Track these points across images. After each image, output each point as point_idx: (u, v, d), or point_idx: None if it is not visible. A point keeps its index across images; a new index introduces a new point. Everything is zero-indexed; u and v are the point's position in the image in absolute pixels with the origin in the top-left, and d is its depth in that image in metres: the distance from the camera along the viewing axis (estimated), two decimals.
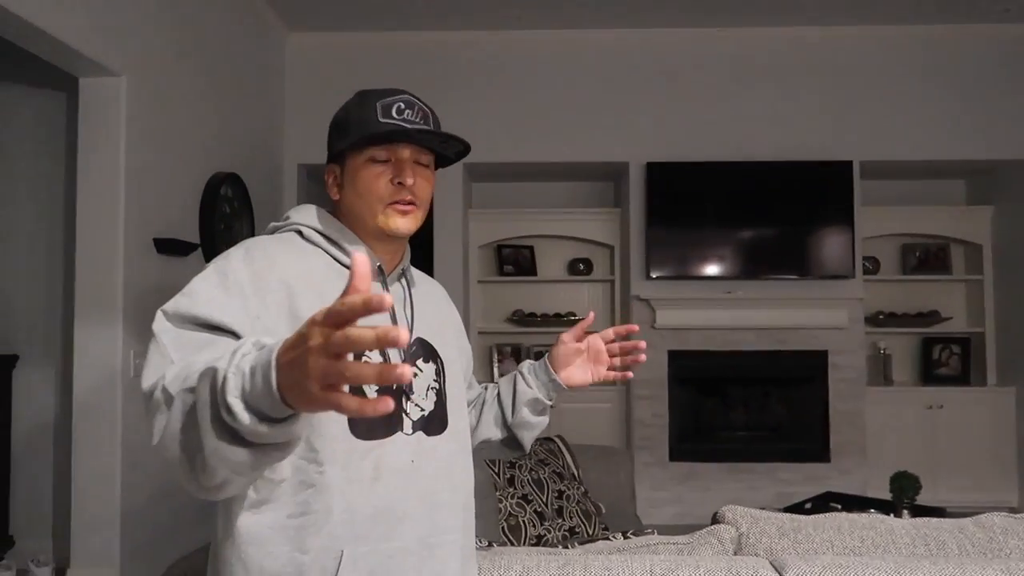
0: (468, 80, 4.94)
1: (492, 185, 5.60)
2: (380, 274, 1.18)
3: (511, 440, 1.43)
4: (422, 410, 1.16)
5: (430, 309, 1.27)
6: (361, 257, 0.63)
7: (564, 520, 2.64)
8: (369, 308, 0.61)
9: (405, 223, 1.15)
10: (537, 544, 2.52)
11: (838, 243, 4.83)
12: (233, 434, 0.77)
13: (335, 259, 1.16)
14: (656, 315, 4.85)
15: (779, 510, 2.22)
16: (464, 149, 1.18)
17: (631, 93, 4.96)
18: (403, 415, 1.13)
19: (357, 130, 1.14)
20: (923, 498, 3.71)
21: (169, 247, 3.36)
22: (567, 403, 5.05)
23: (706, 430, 5.10)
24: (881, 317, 5.25)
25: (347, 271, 1.16)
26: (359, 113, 1.15)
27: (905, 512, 3.41)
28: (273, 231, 1.21)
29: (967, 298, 5.40)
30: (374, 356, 1.11)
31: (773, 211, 4.87)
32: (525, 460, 2.77)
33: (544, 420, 1.44)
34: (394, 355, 1.14)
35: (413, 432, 1.14)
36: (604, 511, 2.85)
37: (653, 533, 1.63)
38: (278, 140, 4.89)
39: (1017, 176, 5.02)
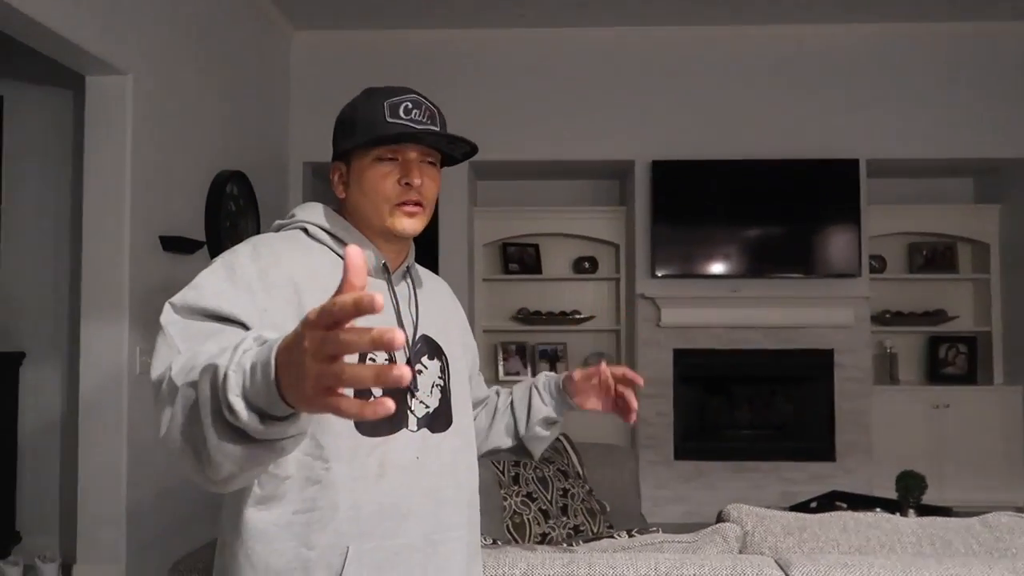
0: (473, 78, 4.94)
1: (497, 183, 5.60)
2: (385, 272, 1.18)
3: (520, 448, 1.45)
4: (427, 407, 1.16)
5: (435, 306, 1.27)
6: (354, 250, 0.61)
7: (569, 518, 2.64)
8: (360, 309, 0.59)
9: (412, 224, 1.15)
10: (542, 542, 2.52)
11: (844, 241, 4.82)
12: (236, 430, 0.77)
13: (340, 257, 1.16)
14: (661, 313, 4.84)
15: (784, 509, 2.22)
16: (471, 150, 1.18)
17: (636, 91, 4.95)
18: (408, 412, 1.13)
19: (364, 130, 1.13)
20: (929, 497, 3.70)
21: (175, 245, 3.37)
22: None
23: (711, 429, 5.10)
24: (887, 316, 5.23)
25: None
26: (366, 112, 1.15)
27: (911, 511, 3.40)
28: (279, 229, 1.21)
29: (974, 297, 5.38)
30: (378, 355, 1.11)
31: (779, 209, 4.86)
32: (529, 458, 2.76)
33: (555, 433, 1.45)
34: (400, 354, 1.15)
35: (418, 429, 1.14)
36: (609, 509, 2.85)
37: (658, 531, 1.63)
38: (283, 138, 4.90)
39: None
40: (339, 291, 0.62)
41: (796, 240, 4.85)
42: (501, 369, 5.34)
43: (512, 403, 1.43)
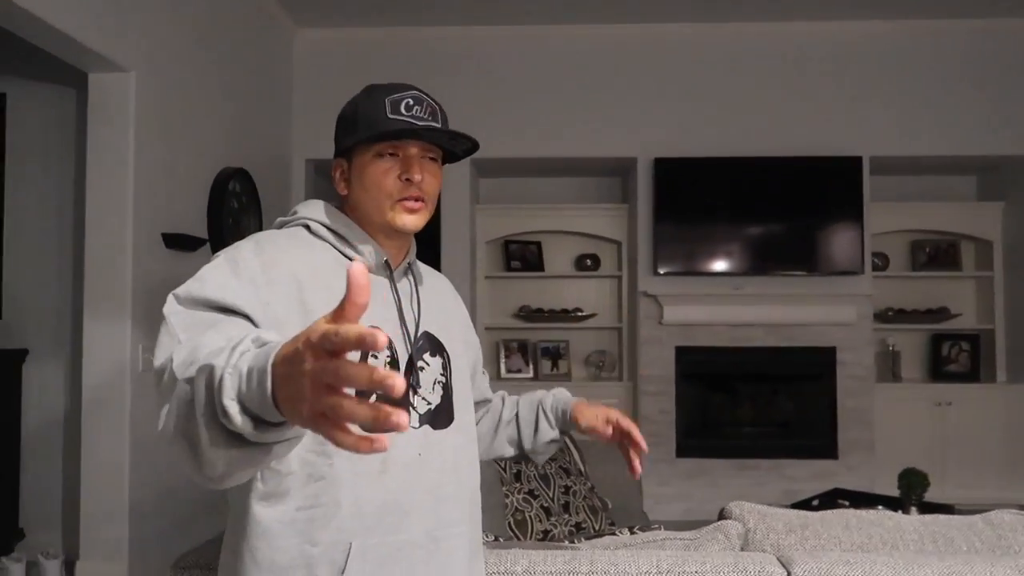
0: (475, 75, 4.94)
1: (499, 180, 5.60)
2: (387, 269, 1.18)
3: (523, 458, 1.50)
4: (429, 404, 1.16)
5: (437, 303, 1.27)
6: (357, 267, 0.58)
7: (571, 515, 2.64)
8: (363, 344, 0.56)
9: (413, 220, 1.15)
10: (543, 539, 2.52)
11: (847, 239, 4.81)
12: (230, 432, 0.76)
13: (343, 254, 1.16)
14: (663, 311, 4.84)
15: (786, 506, 2.22)
16: (472, 146, 1.17)
17: (639, 88, 4.94)
18: (410, 409, 1.14)
19: (365, 126, 1.13)
20: (931, 495, 3.69)
21: (177, 242, 3.37)
22: (574, 399, 5.04)
23: (713, 426, 5.09)
24: (890, 313, 5.22)
25: None
26: (367, 109, 1.15)
27: (913, 509, 3.40)
28: (281, 226, 1.21)
29: (977, 294, 5.37)
30: (380, 352, 1.11)
31: (782, 207, 4.85)
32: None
33: (557, 447, 1.50)
34: (401, 350, 1.15)
35: (420, 426, 1.14)
36: (611, 507, 2.85)
37: (660, 529, 1.63)
38: (286, 135, 4.90)
39: None
40: (340, 308, 0.59)
41: (799, 237, 4.85)
42: (503, 366, 5.34)
43: (518, 417, 1.46)
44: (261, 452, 0.77)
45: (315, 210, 1.20)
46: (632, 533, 1.70)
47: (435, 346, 1.21)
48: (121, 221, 3.08)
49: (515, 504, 2.56)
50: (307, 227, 1.18)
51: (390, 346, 1.13)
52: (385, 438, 0.59)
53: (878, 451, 4.85)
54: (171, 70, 3.41)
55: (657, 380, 4.88)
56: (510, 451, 1.48)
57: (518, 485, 2.60)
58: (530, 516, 2.55)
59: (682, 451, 4.87)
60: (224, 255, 1.08)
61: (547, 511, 2.60)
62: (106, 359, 3.06)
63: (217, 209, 3.74)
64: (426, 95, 1.16)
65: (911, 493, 3.47)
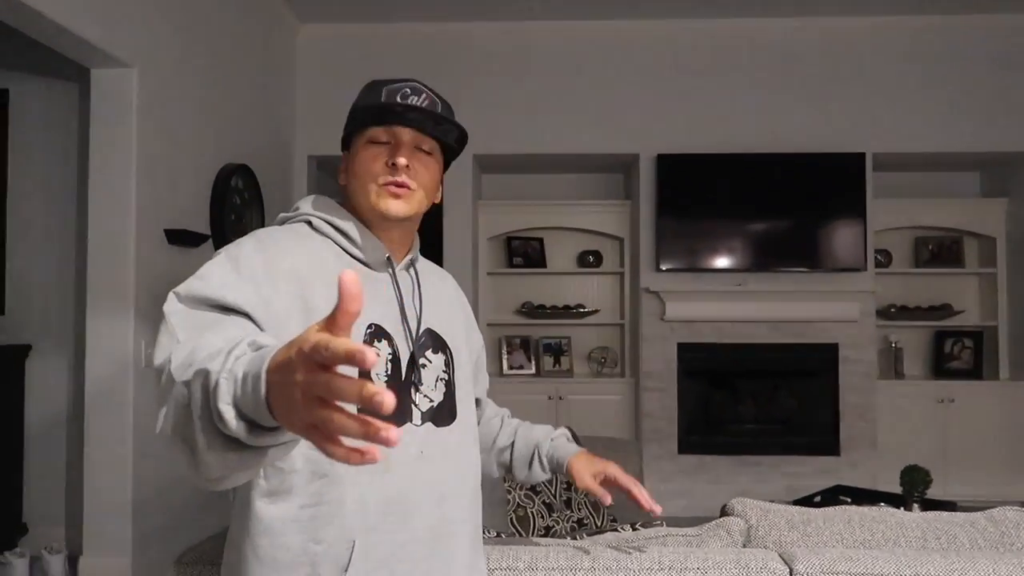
0: (478, 71, 4.93)
1: (502, 177, 5.59)
2: (389, 265, 1.18)
3: (508, 477, 1.51)
4: (431, 401, 1.16)
5: (439, 300, 1.26)
6: (349, 275, 0.57)
7: (573, 511, 2.64)
8: (351, 361, 0.55)
9: (398, 205, 1.13)
10: (546, 535, 2.52)
11: (850, 236, 4.80)
12: (226, 436, 0.75)
13: (344, 250, 1.16)
14: (666, 307, 4.84)
15: (789, 503, 2.22)
16: (461, 135, 1.16)
17: (642, 84, 4.94)
18: (412, 406, 1.13)
19: (359, 114, 1.14)
20: (934, 492, 3.69)
21: (180, 238, 3.37)
22: (576, 395, 5.05)
23: (715, 423, 5.09)
24: (893, 310, 5.22)
25: (357, 262, 1.16)
26: (366, 100, 1.16)
27: (915, 506, 3.40)
28: (283, 222, 1.21)
29: (980, 291, 5.36)
30: (382, 348, 1.11)
31: (784, 203, 4.84)
32: None
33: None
34: (403, 346, 1.14)
35: (422, 423, 1.14)
36: (613, 503, 2.85)
37: (662, 525, 1.63)
38: (289, 131, 4.90)
39: None
40: (333, 316, 0.58)
41: (801, 234, 4.84)
42: (505, 363, 5.34)
43: (513, 448, 1.45)
44: (257, 455, 0.77)
45: (317, 205, 1.19)
46: (634, 529, 1.70)
47: (437, 343, 1.20)
48: (123, 217, 3.08)
49: (517, 500, 2.56)
50: (309, 223, 1.17)
51: (391, 343, 1.13)
52: (376, 450, 0.59)
53: (880, 448, 4.84)
54: (173, 66, 3.41)
55: (659, 376, 4.88)
56: (497, 473, 1.49)
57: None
58: (532, 512, 2.56)
59: (684, 447, 4.87)
60: (225, 252, 1.07)
61: (549, 507, 2.60)
62: (109, 354, 3.06)
63: (219, 205, 3.74)
64: (426, 87, 1.16)
65: (913, 490, 3.47)
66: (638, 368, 4.98)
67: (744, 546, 1.52)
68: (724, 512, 1.62)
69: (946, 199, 5.28)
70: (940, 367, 5.24)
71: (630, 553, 1.41)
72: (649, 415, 4.87)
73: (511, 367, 5.34)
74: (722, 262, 4.85)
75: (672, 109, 4.92)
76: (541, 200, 5.45)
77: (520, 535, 2.48)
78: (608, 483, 1.39)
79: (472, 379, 1.31)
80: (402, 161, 1.11)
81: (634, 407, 5.03)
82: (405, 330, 1.15)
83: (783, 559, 1.38)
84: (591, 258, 5.42)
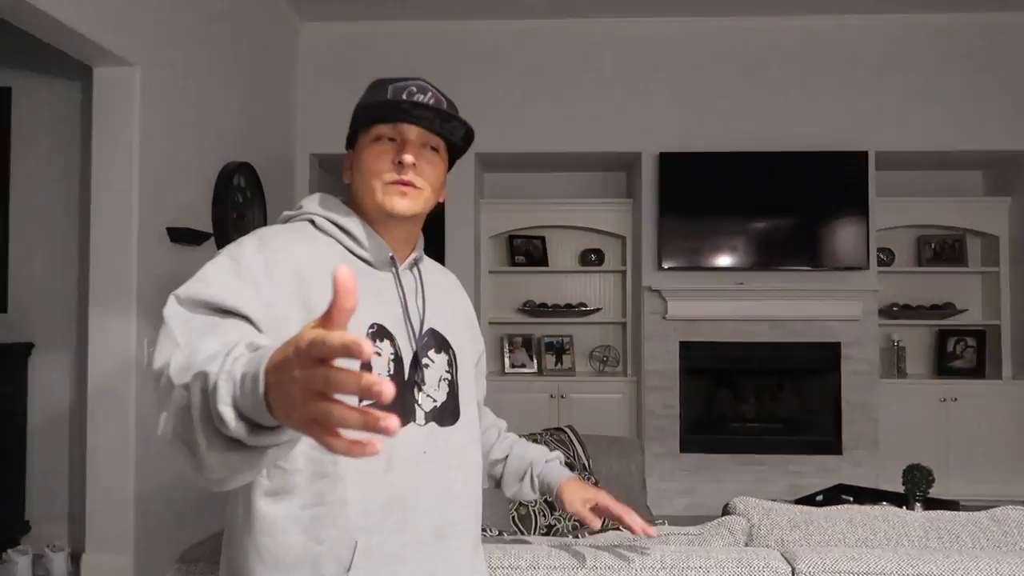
0: (481, 69, 4.93)
1: (504, 175, 5.59)
2: (392, 264, 1.18)
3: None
4: (434, 401, 1.16)
5: (443, 300, 1.26)
6: (344, 271, 0.58)
7: None
8: (348, 353, 0.56)
9: (404, 203, 1.13)
10: (547, 534, 2.52)
11: (852, 234, 4.80)
12: (226, 437, 0.75)
13: (348, 249, 1.15)
14: (668, 306, 4.83)
15: (791, 502, 2.22)
16: (467, 133, 1.15)
17: (644, 83, 4.93)
18: (416, 406, 1.13)
19: (365, 112, 1.13)
20: (936, 491, 3.69)
21: (182, 236, 3.38)
22: (578, 393, 5.05)
23: (717, 421, 5.09)
24: (895, 309, 5.21)
25: (360, 261, 1.16)
26: (371, 97, 1.15)
27: (918, 505, 3.40)
28: (286, 220, 1.21)
29: (983, 290, 5.35)
30: (385, 348, 1.11)
31: (787, 202, 4.84)
32: None
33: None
34: (406, 346, 1.14)
35: (426, 423, 1.14)
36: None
37: (664, 524, 1.63)
38: (291, 130, 4.90)
39: None
40: (328, 313, 0.59)
41: (804, 232, 4.83)
42: (507, 361, 5.35)
43: (506, 462, 1.44)
44: (258, 455, 0.77)
45: (321, 204, 1.19)
46: None
47: (440, 343, 1.20)
48: (126, 215, 3.08)
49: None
50: (312, 222, 1.17)
51: (393, 343, 1.12)
52: (377, 442, 0.59)
53: (883, 447, 4.84)
54: (176, 64, 3.41)
55: (661, 375, 4.88)
56: (486, 484, 1.48)
57: None
58: (534, 511, 2.56)
59: (686, 446, 4.87)
60: (226, 253, 1.07)
61: (551, 506, 2.60)
62: (111, 353, 3.07)
63: (222, 203, 3.74)
64: (432, 86, 1.15)
65: (916, 489, 3.47)
66: (640, 367, 4.98)
67: (746, 545, 1.52)
68: (726, 511, 1.62)
69: (949, 198, 5.27)
70: (943, 366, 5.23)
71: (632, 552, 1.41)
72: (651, 414, 4.87)
73: (513, 366, 5.34)
74: (724, 261, 4.85)
75: (674, 107, 4.92)
76: (543, 199, 5.44)
77: (522, 533, 2.48)
78: (599, 511, 1.38)
79: (475, 379, 1.31)
80: (409, 159, 1.11)
81: (636, 406, 5.03)
82: (408, 330, 1.15)
83: (785, 558, 1.37)
84: (593, 256, 5.42)
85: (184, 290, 0.99)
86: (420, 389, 1.14)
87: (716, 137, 4.87)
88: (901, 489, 3.61)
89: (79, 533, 3.41)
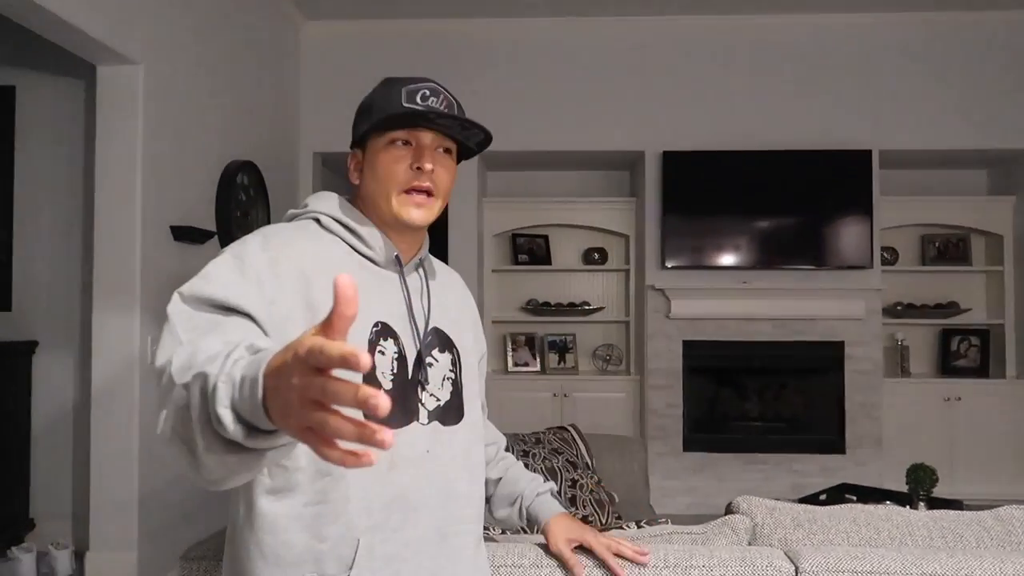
0: (484, 68, 4.93)
1: (507, 174, 5.59)
2: (397, 264, 1.18)
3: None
4: (438, 400, 1.16)
5: (447, 299, 1.26)
6: (345, 278, 0.58)
7: (577, 509, 2.64)
8: (345, 364, 0.56)
9: (420, 214, 1.13)
10: None
11: (856, 233, 4.79)
12: (225, 439, 0.75)
13: (353, 248, 1.15)
14: (671, 304, 4.83)
15: (794, 501, 2.21)
16: (485, 139, 1.15)
17: (647, 81, 4.92)
18: (419, 405, 1.13)
19: (379, 113, 1.12)
20: (940, 491, 3.68)
21: (186, 235, 3.38)
22: (581, 392, 5.05)
23: (720, 420, 5.09)
24: (899, 308, 5.20)
25: (365, 260, 1.15)
26: (383, 98, 1.14)
27: (921, 504, 3.39)
28: (291, 218, 1.21)
29: (987, 289, 5.34)
30: (388, 347, 1.11)
31: (790, 200, 4.83)
32: (538, 449, 2.77)
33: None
34: (410, 345, 1.14)
35: (429, 422, 1.14)
36: (617, 500, 2.85)
37: (667, 523, 1.63)
38: (294, 128, 4.90)
39: None
40: (329, 320, 0.58)
41: (807, 231, 4.82)
42: (510, 360, 5.34)
43: (498, 486, 1.42)
44: (256, 457, 0.77)
45: (326, 203, 1.19)
46: (639, 527, 1.70)
47: (444, 342, 1.20)
48: (130, 213, 3.09)
49: None
50: (317, 220, 1.17)
51: (397, 342, 1.12)
52: (372, 453, 0.59)
53: (886, 446, 4.83)
54: (179, 63, 3.42)
55: (664, 374, 4.87)
56: None
57: None
58: None
59: (689, 445, 4.86)
60: (231, 250, 1.07)
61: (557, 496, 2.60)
62: (115, 351, 3.07)
63: (225, 202, 3.74)
64: (443, 88, 1.15)
65: (919, 488, 3.46)
66: (643, 365, 4.98)
67: (749, 544, 1.51)
68: (729, 510, 1.62)
69: (953, 197, 5.26)
70: (946, 365, 5.22)
71: None
72: (654, 412, 4.87)
73: (516, 364, 5.34)
74: (728, 259, 4.84)
75: (678, 106, 4.91)
76: (546, 197, 5.44)
77: (525, 532, 2.48)
78: (584, 551, 1.36)
79: (478, 379, 1.31)
80: (429, 167, 1.11)
81: (639, 404, 5.03)
82: (412, 329, 1.15)
83: (789, 557, 1.37)
84: (596, 255, 5.42)
85: (188, 287, 1.00)
86: (423, 388, 1.14)
87: (720, 136, 4.86)
88: (905, 488, 3.61)
89: (83, 531, 3.42)
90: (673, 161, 4.84)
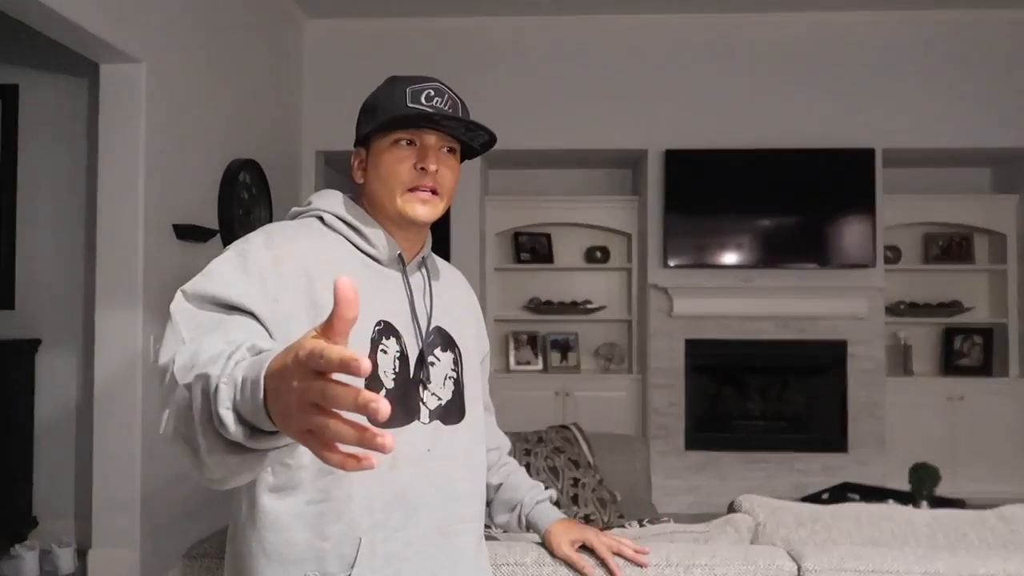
0: (486, 67, 4.92)
1: (509, 172, 5.59)
2: (400, 262, 1.18)
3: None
4: (439, 399, 1.16)
5: (450, 298, 1.26)
6: (345, 280, 0.58)
7: (579, 508, 2.64)
8: (345, 368, 0.56)
9: (425, 211, 1.13)
10: None
11: (859, 232, 4.78)
12: (227, 439, 0.75)
13: (356, 246, 1.15)
14: (673, 303, 4.83)
15: (797, 500, 2.21)
16: (490, 140, 1.15)
17: (650, 80, 4.92)
18: (420, 404, 1.13)
19: (384, 113, 1.12)
20: (943, 490, 3.67)
21: (188, 233, 3.38)
22: (583, 391, 5.05)
23: (723, 419, 5.09)
24: (902, 307, 5.19)
25: (368, 259, 1.15)
26: (388, 97, 1.14)
27: (924, 503, 3.39)
28: (295, 216, 1.21)
29: (990, 288, 5.33)
30: (391, 346, 1.11)
31: (793, 199, 4.82)
32: (541, 448, 2.77)
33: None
34: (412, 344, 1.14)
35: (430, 421, 1.14)
36: (619, 499, 2.85)
37: (669, 521, 1.63)
38: (296, 127, 4.90)
39: None
40: (329, 322, 0.58)
41: (810, 230, 4.82)
42: (512, 358, 5.34)
43: (499, 491, 1.42)
44: (258, 458, 0.77)
45: (330, 201, 1.19)
46: (641, 526, 1.70)
47: (446, 341, 1.20)
48: (132, 212, 3.09)
49: None
50: (321, 218, 1.17)
51: (399, 340, 1.12)
52: (372, 457, 0.59)
53: (889, 445, 4.82)
54: (182, 61, 3.42)
55: (666, 372, 4.87)
56: None
57: None
58: None
59: (691, 444, 4.86)
60: (234, 248, 1.07)
61: (556, 503, 2.60)
62: (118, 349, 3.08)
63: (227, 200, 3.75)
64: (448, 88, 1.15)
65: (922, 487, 3.46)
66: (645, 364, 4.98)
67: (752, 543, 1.51)
68: (731, 509, 1.62)
69: (956, 195, 5.25)
70: (949, 364, 5.21)
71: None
72: (656, 411, 4.87)
73: (518, 363, 5.34)
74: (730, 258, 4.84)
75: (680, 104, 4.90)
76: (549, 196, 5.44)
77: (527, 530, 2.48)
78: (587, 550, 1.36)
79: (481, 378, 1.31)
80: (433, 168, 1.11)
81: (641, 403, 5.03)
82: (415, 327, 1.15)
83: (791, 556, 1.37)
84: (598, 254, 5.41)
85: (191, 286, 1.00)
86: (425, 387, 1.14)
87: (722, 134, 4.86)
88: (907, 487, 3.60)
89: (86, 529, 3.42)
90: (676, 160, 4.84)
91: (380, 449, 0.56)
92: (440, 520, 1.12)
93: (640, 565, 1.34)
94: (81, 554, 3.40)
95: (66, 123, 3.89)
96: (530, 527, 1.40)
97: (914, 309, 5.19)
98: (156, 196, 3.19)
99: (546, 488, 1.45)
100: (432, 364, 1.16)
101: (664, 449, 4.83)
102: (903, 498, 3.46)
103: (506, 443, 1.48)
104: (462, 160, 1.21)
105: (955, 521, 1.48)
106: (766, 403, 5.14)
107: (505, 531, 1.51)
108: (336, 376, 0.59)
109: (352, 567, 1.04)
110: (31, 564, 3.32)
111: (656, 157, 4.90)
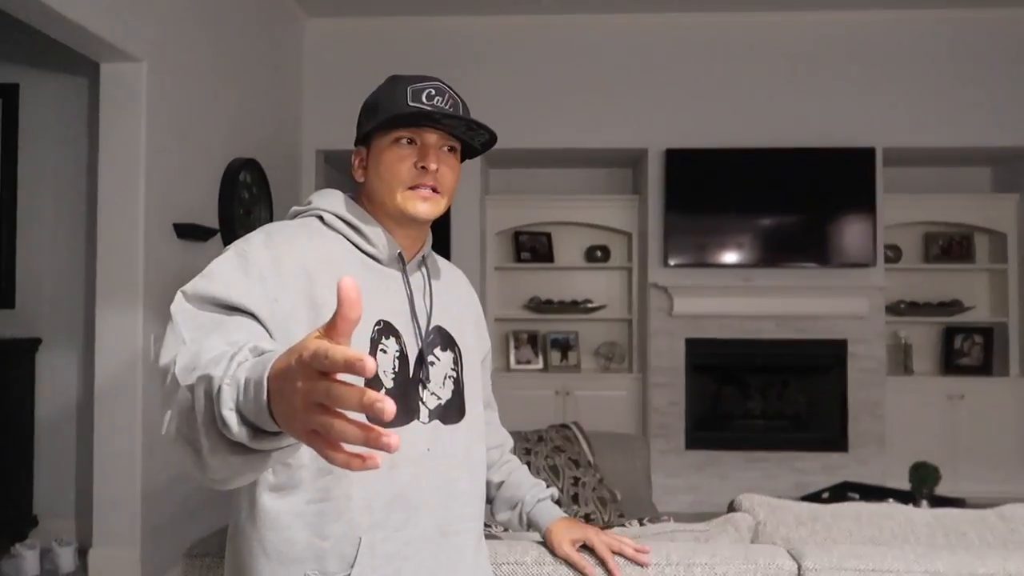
0: (486, 65, 4.92)
1: (510, 171, 5.59)
2: (400, 261, 1.18)
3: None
4: (439, 399, 1.16)
5: (450, 297, 1.25)
6: (348, 281, 0.58)
7: (579, 507, 2.64)
8: (350, 369, 0.56)
9: (426, 208, 1.13)
10: None
11: (859, 231, 4.78)
12: (230, 440, 0.75)
13: (356, 246, 1.15)
14: (674, 302, 4.83)
15: (797, 499, 2.21)
16: (490, 139, 1.15)
17: (650, 79, 4.92)
18: (420, 403, 1.13)
19: (385, 112, 1.13)
20: (943, 489, 3.68)
21: (189, 232, 3.38)
22: (583, 390, 5.05)
23: (723, 418, 5.09)
24: (902, 306, 5.19)
25: (368, 258, 1.15)
26: (389, 96, 1.14)
27: (924, 502, 3.39)
28: (295, 216, 1.21)
29: (990, 287, 5.33)
30: (390, 345, 1.11)
31: (793, 198, 4.82)
32: (541, 447, 2.77)
33: None
34: (412, 343, 1.14)
35: (430, 420, 1.14)
36: (620, 498, 2.85)
37: (669, 520, 1.63)
38: (297, 126, 4.90)
39: None
40: (332, 323, 0.59)
41: (810, 229, 4.82)
42: (512, 358, 5.35)
43: (501, 489, 1.42)
44: (261, 458, 0.77)
45: (330, 200, 1.19)
46: (641, 525, 1.70)
47: (446, 341, 1.20)
48: (133, 211, 3.09)
49: None
50: (321, 218, 1.17)
51: (399, 340, 1.12)
52: (377, 456, 0.59)
53: (889, 444, 4.82)
54: (182, 60, 3.42)
55: (666, 371, 4.87)
56: None
57: None
58: None
59: (692, 443, 4.86)
60: (234, 248, 1.07)
61: (556, 503, 2.60)
62: (118, 348, 3.08)
63: (228, 199, 3.75)
64: (449, 87, 1.15)
65: (922, 486, 3.46)
66: (646, 363, 4.98)
67: (752, 542, 1.51)
68: (732, 508, 1.62)
69: (957, 194, 5.25)
70: (950, 363, 5.21)
71: None
72: (656, 410, 4.87)
73: (518, 362, 5.34)
74: (731, 257, 4.84)
75: (681, 104, 4.90)
76: (549, 195, 5.44)
77: (527, 529, 2.48)
78: (587, 549, 1.36)
79: (481, 378, 1.31)
80: (434, 167, 1.11)
81: (641, 402, 5.03)
82: (414, 327, 1.15)
83: (791, 555, 1.37)
84: (599, 253, 5.41)
85: (191, 286, 1.00)
86: (425, 387, 1.14)
87: (723, 133, 4.85)
88: (908, 486, 3.60)
89: (86, 527, 3.42)
90: (676, 159, 4.84)
91: (386, 449, 0.56)
92: (440, 519, 1.13)
93: (641, 564, 1.34)
94: (82, 553, 3.40)
95: (66, 122, 3.89)
96: (531, 525, 1.41)
97: (914, 308, 5.19)
98: (156, 195, 3.19)
99: (547, 487, 1.45)
100: (432, 364, 1.16)
101: (664, 448, 4.83)
102: (903, 497, 3.46)
103: (508, 441, 1.48)
104: (463, 159, 1.21)
105: (955, 520, 1.48)
106: (766, 402, 5.14)
107: (506, 529, 1.51)
108: (339, 376, 0.59)
109: (352, 566, 1.04)
110: (32, 563, 3.32)
111: (656, 156, 4.90)
